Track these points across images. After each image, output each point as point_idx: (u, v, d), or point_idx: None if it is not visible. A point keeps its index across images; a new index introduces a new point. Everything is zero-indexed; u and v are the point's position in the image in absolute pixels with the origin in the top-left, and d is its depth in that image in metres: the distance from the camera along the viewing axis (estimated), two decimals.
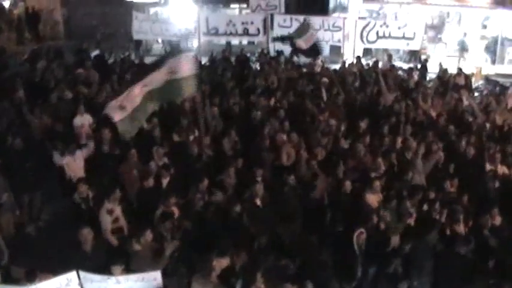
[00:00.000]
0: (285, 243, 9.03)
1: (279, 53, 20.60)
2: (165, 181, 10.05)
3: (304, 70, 18.22)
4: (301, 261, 8.12)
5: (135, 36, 22.54)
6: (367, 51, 23.61)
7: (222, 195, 9.58)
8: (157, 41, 25.58)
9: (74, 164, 10.63)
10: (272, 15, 21.71)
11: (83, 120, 12.34)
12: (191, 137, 11.60)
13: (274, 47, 21.30)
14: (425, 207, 9.89)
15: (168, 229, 8.39)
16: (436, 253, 8.68)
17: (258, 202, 9.54)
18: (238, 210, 9.02)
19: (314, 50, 17.33)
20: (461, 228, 9.32)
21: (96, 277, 6.93)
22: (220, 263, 7.27)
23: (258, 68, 19.00)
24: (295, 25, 20.19)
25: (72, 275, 6.89)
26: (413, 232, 8.98)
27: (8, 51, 20.83)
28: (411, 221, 9.37)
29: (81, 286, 6.90)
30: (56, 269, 7.11)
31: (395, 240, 8.80)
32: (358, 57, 19.94)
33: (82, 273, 6.86)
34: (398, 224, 9.14)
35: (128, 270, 7.35)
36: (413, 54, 23.15)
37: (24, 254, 8.37)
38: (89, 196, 9.39)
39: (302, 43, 17.16)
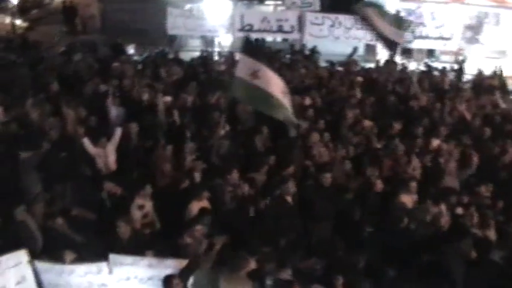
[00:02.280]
0: (314, 243, 8.99)
1: (313, 50, 20.48)
2: (196, 175, 10.04)
3: (339, 68, 18.07)
4: (329, 261, 8.05)
5: (170, 32, 22.69)
6: (404, 51, 23.30)
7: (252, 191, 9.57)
8: (191, 37, 25.65)
9: (105, 157, 10.72)
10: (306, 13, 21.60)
11: (117, 113, 12.45)
12: (222, 132, 11.60)
13: (307, 44, 21.18)
14: (458, 211, 9.72)
15: (207, 224, 8.40)
16: (468, 259, 8.51)
17: (289, 200, 9.48)
18: (268, 207, 8.99)
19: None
20: (494, 235, 9.13)
21: (128, 259, 7.03)
22: (249, 261, 7.26)
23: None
24: (327, 23, 20.08)
25: (102, 265, 7.01)
26: (445, 237, 8.83)
27: (44, 44, 21.14)
28: (444, 225, 9.22)
29: (111, 273, 7.02)
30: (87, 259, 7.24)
31: (426, 244, 8.66)
32: (392, 56, 19.68)
33: (112, 256, 6.96)
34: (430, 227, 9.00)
35: None
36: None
37: (55, 244, 8.45)
38: (117, 193, 9.48)
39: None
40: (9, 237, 8.27)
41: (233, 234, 8.23)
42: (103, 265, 7.05)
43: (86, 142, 10.55)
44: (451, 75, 18.79)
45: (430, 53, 23.32)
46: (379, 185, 9.92)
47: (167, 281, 6.83)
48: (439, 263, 8.33)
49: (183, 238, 8.02)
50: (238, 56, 10.93)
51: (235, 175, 9.71)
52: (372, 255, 8.36)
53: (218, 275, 7.27)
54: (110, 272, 7.07)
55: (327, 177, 9.96)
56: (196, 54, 21.12)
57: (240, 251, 7.43)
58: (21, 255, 7.03)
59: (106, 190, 9.39)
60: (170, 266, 7.06)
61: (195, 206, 8.90)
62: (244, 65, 10.45)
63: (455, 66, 20.30)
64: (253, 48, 11.35)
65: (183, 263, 7.11)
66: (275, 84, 10.32)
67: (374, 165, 10.68)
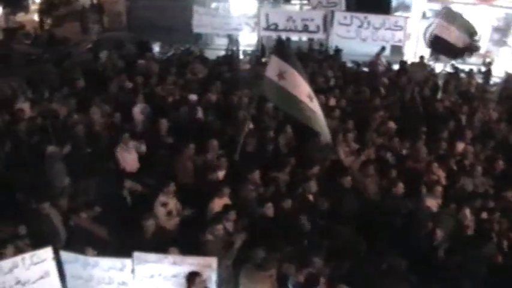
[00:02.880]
0: (336, 244, 8.94)
1: (338, 50, 20.38)
2: (220, 173, 10.06)
3: (365, 69, 17.95)
4: (352, 262, 8.00)
5: (195, 30, 22.73)
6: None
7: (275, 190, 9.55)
8: (217, 35, 25.72)
9: (128, 155, 10.81)
10: (333, 12, 21.46)
11: (142, 110, 12.52)
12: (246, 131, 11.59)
13: (333, 44, 21.08)
14: (483, 215, 9.59)
15: (231, 220, 8.43)
16: (491, 264, 8.39)
17: (311, 199, 9.44)
18: (290, 206, 8.96)
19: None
20: None
21: (152, 257, 7.08)
22: (270, 259, 7.24)
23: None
24: (356, 23, 19.93)
25: (127, 261, 7.06)
26: (469, 241, 8.72)
27: (72, 40, 21.38)
28: (468, 229, 9.11)
29: (133, 272, 7.06)
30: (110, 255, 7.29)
31: (448, 248, 8.56)
32: (422, 57, 19.50)
33: (137, 254, 7.01)
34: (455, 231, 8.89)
35: None
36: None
37: (78, 240, 8.54)
38: (137, 191, 9.55)
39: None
40: (34, 231, 8.42)
41: (255, 232, 8.25)
42: (127, 262, 7.10)
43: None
44: (479, 78, 18.53)
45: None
46: (400, 188, 9.79)
47: (190, 278, 6.86)
48: (462, 267, 8.23)
49: (205, 235, 8.05)
50: (270, 56, 10.86)
51: (257, 174, 9.71)
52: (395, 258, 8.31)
53: (239, 272, 7.28)
54: (132, 271, 7.11)
55: (348, 180, 9.92)
56: (221, 52, 21.18)
57: (261, 249, 7.42)
58: (47, 252, 7.13)
59: (126, 188, 9.42)
60: (194, 264, 7.08)
61: (217, 203, 8.93)
62: (275, 66, 10.45)
63: (483, 69, 20.05)
64: (286, 49, 11.26)
65: (206, 260, 7.14)
66: (300, 88, 10.29)
67: (397, 167, 10.58)
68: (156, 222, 8.46)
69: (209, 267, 7.17)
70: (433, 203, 9.57)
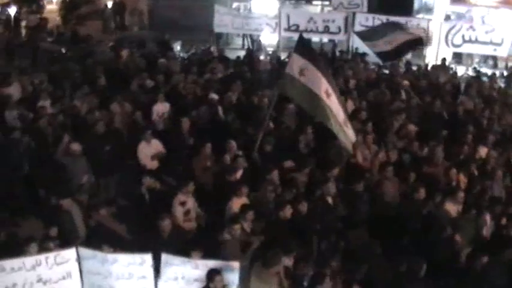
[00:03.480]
0: (351, 247, 8.91)
1: (358, 53, 20.31)
2: (238, 173, 10.06)
3: (386, 71, 17.86)
4: (366, 267, 7.96)
5: (216, 29, 22.88)
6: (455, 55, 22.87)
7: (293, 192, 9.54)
8: (237, 35, 25.79)
9: (148, 152, 10.85)
10: (354, 14, 21.38)
11: (163, 109, 12.60)
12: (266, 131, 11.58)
13: (354, 47, 21.01)
14: (503, 221, 9.48)
15: (249, 220, 8.43)
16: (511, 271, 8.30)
17: (330, 201, 9.42)
18: (307, 208, 8.95)
19: (397, 52, 16.68)
20: None
21: (176, 260, 7.13)
22: (280, 258, 7.23)
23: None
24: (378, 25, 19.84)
25: (146, 256, 7.11)
26: (489, 247, 8.63)
27: (94, 39, 21.57)
28: (487, 235, 9.01)
29: (154, 268, 7.12)
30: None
31: (468, 254, 8.47)
32: (444, 60, 19.35)
33: (164, 255, 7.07)
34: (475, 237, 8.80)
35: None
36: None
37: (97, 236, 8.60)
38: (156, 188, 9.59)
39: (382, 45, 16.64)
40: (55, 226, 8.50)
41: (271, 233, 8.25)
42: (147, 257, 7.15)
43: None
44: (501, 82, 18.35)
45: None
46: (422, 193, 9.70)
47: (210, 276, 6.90)
48: (482, 273, 8.15)
49: (223, 234, 8.07)
50: (291, 53, 10.88)
51: (276, 175, 9.71)
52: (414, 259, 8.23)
53: (250, 271, 7.29)
54: (152, 266, 7.17)
55: (359, 186, 9.86)
56: (242, 52, 21.21)
57: (273, 249, 7.41)
58: (71, 253, 7.23)
59: (145, 186, 9.49)
60: (216, 267, 7.11)
61: (236, 203, 8.93)
62: (295, 63, 10.46)
63: (505, 73, 19.84)
64: (307, 46, 11.24)
65: (229, 264, 7.17)
66: (319, 84, 10.26)
67: (417, 171, 10.51)
68: (173, 221, 8.47)
69: (232, 270, 7.20)
70: (452, 208, 9.46)
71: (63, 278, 7.25)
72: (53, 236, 7.86)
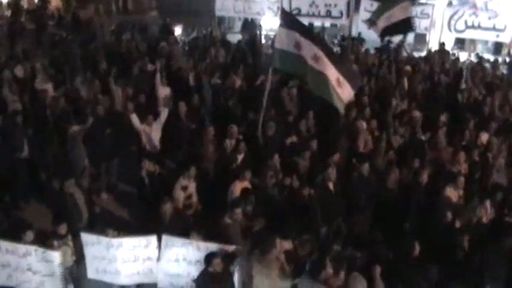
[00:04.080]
0: (353, 233, 8.93)
1: (358, 37, 20.19)
2: (240, 157, 10.06)
3: (387, 56, 17.74)
4: (368, 253, 7.97)
5: (218, 13, 22.72)
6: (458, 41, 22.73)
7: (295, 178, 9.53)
8: (239, 19, 25.63)
9: (151, 134, 10.80)
10: None
11: (164, 92, 12.55)
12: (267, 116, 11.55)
13: (358, 31, 20.85)
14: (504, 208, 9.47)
15: (251, 205, 8.45)
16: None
17: (331, 187, 9.41)
18: (309, 193, 8.95)
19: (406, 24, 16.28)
20: None
21: (178, 242, 7.18)
22: (278, 242, 7.24)
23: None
24: None
25: (152, 238, 7.14)
26: (490, 235, 8.62)
27: (96, 22, 21.45)
28: (488, 222, 9.00)
29: (159, 249, 7.16)
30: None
31: (468, 241, 8.47)
32: (443, 45, 19.23)
33: (165, 237, 7.09)
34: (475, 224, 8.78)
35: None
36: None
37: (100, 220, 8.63)
38: (156, 172, 9.58)
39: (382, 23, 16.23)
40: (56, 210, 8.52)
41: (272, 218, 8.26)
42: (152, 239, 7.19)
43: (134, 118, 10.64)
44: (503, 68, 18.25)
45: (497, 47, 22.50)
46: (424, 178, 9.67)
47: (209, 259, 6.93)
48: (482, 261, 8.17)
49: (224, 219, 8.09)
50: (278, 28, 10.75)
51: (277, 159, 9.70)
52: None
53: (251, 257, 7.32)
54: (157, 247, 7.18)
55: (366, 167, 9.84)
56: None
57: (273, 234, 7.43)
58: (55, 255, 7.24)
59: (145, 169, 9.49)
60: (217, 250, 7.13)
61: (238, 187, 8.94)
62: (284, 36, 10.35)
63: (507, 59, 19.73)
64: (292, 19, 11.09)
65: (230, 248, 7.20)
66: (308, 52, 10.15)
67: (419, 156, 10.49)
68: (174, 205, 8.48)
69: (233, 254, 7.23)
70: (454, 194, 9.44)
71: (47, 275, 7.31)
72: (61, 234, 7.69)
